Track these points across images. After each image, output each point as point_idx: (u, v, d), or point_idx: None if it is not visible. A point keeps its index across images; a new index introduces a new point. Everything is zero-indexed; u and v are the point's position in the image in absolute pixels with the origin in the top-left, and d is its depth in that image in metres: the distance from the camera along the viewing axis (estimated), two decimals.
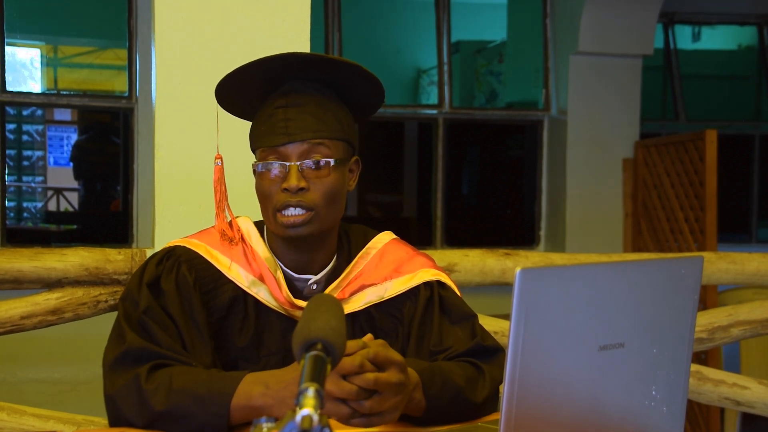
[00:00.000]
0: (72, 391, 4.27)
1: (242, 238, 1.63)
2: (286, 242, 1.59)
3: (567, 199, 5.05)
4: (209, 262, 1.60)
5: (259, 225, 1.66)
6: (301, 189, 1.52)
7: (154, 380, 1.41)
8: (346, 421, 1.32)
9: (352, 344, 1.31)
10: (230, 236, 1.63)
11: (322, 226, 1.56)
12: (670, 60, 6.22)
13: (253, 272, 1.60)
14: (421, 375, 1.43)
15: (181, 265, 1.58)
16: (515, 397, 1.02)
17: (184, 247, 1.61)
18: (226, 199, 1.66)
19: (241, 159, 1.89)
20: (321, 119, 1.55)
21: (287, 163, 1.53)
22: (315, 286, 1.62)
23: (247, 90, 1.61)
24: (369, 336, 1.38)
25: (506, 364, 1.01)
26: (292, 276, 1.62)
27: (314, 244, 1.59)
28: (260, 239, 1.63)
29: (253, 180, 1.64)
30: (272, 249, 1.62)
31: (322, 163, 1.54)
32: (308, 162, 1.53)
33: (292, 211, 1.53)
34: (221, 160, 1.66)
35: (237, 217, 1.67)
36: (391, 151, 6.91)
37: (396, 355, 1.34)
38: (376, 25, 7.65)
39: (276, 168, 1.54)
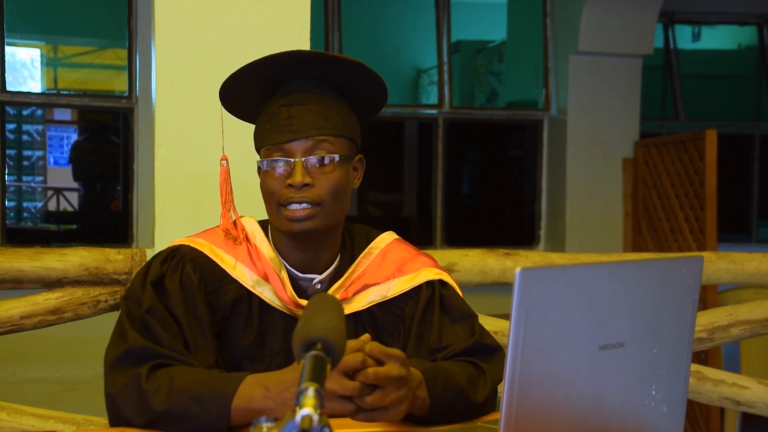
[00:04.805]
0: (72, 391, 4.27)
1: (246, 238, 1.63)
2: (291, 239, 1.59)
3: (567, 199, 5.05)
4: (214, 262, 1.60)
5: (263, 225, 1.66)
6: (306, 185, 1.52)
7: (155, 380, 1.40)
8: (351, 417, 1.32)
9: (352, 343, 1.32)
10: (234, 235, 1.63)
11: (327, 222, 1.56)
12: (670, 60, 6.22)
13: (258, 272, 1.60)
14: (425, 374, 1.43)
15: (186, 264, 1.57)
16: (515, 396, 1.02)
17: (188, 246, 1.61)
18: (232, 200, 1.66)
19: (245, 160, 1.89)
20: (325, 116, 1.56)
21: (292, 160, 1.53)
22: (319, 286, 1.62)
23: (250, 90, 1.61)
24: (367, 336, 1.39)
25: (506, 363, 1.01)
26: (297, 275, 1.61)
27: (319, 242, 1.59)
28: (265, 239, 1.63)
29: (257, 180, 1.64)
30: (277, 248, 1.62)
31: (326, 160, 1.54)
32: (313, 158, 1.54)
33: (296, 206, 1.53)
34: (227, 161, 1.66)
35: (241, 216, 1.67)
36: (391, 151, 6.90)
37: (395, 350, 1.35)
38: (376, 25, 7.66)
39: (281, 165, 1.54)
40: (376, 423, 1.37)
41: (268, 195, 1.56)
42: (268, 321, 1.59)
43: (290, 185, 1.52)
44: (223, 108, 1.68)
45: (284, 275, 1.60)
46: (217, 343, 1.56)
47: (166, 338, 1.47)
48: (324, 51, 1.60)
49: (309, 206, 1.53)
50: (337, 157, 1.55)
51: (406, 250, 1.70)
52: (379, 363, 1.33)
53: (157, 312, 1.50)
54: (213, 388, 1.38)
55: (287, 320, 1.59)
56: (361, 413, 1.32)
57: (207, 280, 1.58)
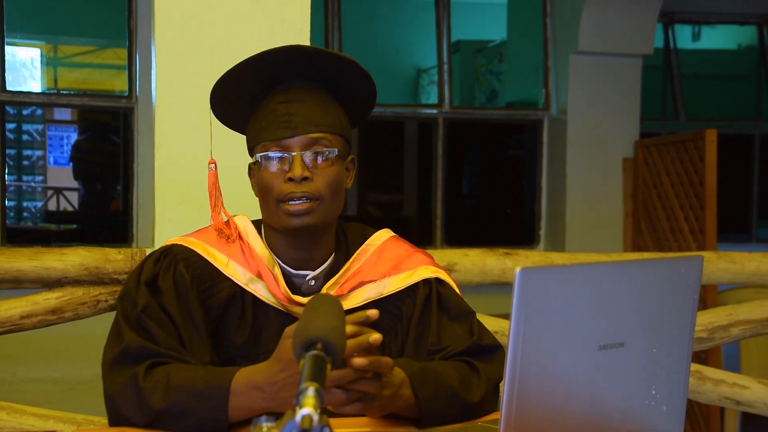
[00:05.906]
0: (72, 391, 4.27)
1: (239, 236, 1.64)
2: (287, 237, 1.59)
3: (567, 198, 5.05)
4: (206, 260, 1.60)
5: (256, 223, 1.66)
6: (305, 179, 1.53)
7: (152, 378, 1.41)
8: (341, 407, 1.33)
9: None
10: (227, 234, 1.63)
11: (325, 218, 1.56)
12: (670, 59, 6.22)
13: (251, 269, 1.60)
14: (413, 378, 1.43)
15: (179, 263, 1.58)
16: (515, 396, 1.02)
17: (181, 245, 1.61)
18: (222, 203, 1.67)
19: (237, 161, 1.89)
20: (323, 114, 1.57)
21: (291, 153, 1.54)
22: (313, 282, 1.62)
23: (246, 87, 1.61)
24: (373, 312, 1.38)
25: (506, 363, 1.01)
26: (290, 272, 1.61)
27: (313, 239, 1.60)
28: (257, 236, 1.63)
29: (249, 182, 1.64)
30: (270, 246, 1.63)
31: (324, 155, 1.55)
32: (311, 153, 1.54)
33: (296, 202, 1.53)
34: (215, 165, 1.66)
35: (234, 216, 1.67)
36: (391, 151, 6.90)
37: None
38: (376, 24, 7.65)
39: (279, 160, 1.55)
40: (374, 423, 1.37)
41: (266, 191, 1.56)
42: (262, 318, 1.59)
43: (290, 179, 1.53)
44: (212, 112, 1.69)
45: (277, 272, 1.60)
46: (211, 341, 1.56)
47: (162, 337, 1.48)
48: (320, 47, 1.60)
49: (308, 201, 1.53)
50: (335, 151, 1.56)
51: (403, 247, 1.70)
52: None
53: (152, 311, 1.51)
54: (209, 382, 1.39)
55: (281, 317, 1.59)
56: (361, 402, 1.33)
57: (200, 279, 1.58)
